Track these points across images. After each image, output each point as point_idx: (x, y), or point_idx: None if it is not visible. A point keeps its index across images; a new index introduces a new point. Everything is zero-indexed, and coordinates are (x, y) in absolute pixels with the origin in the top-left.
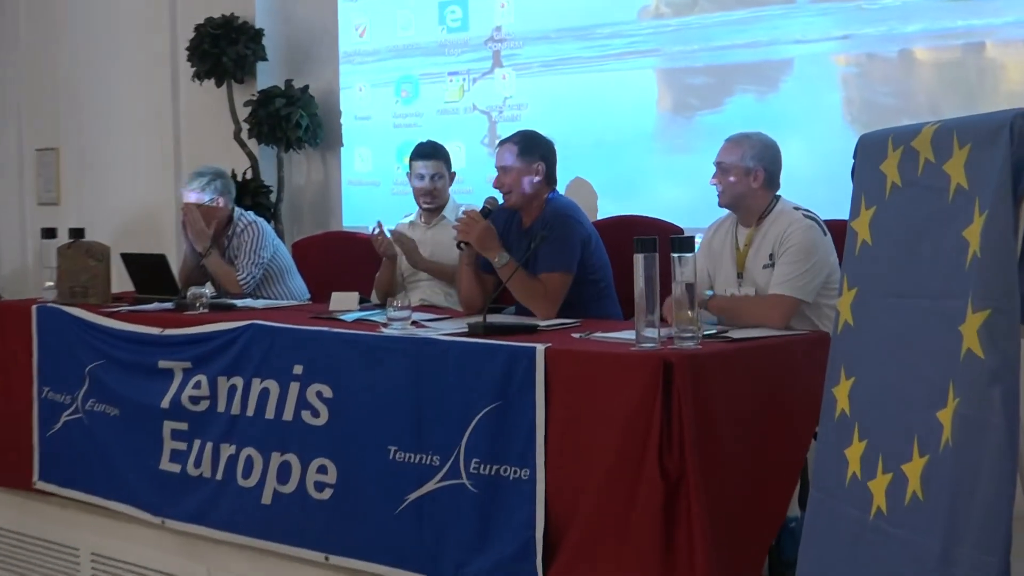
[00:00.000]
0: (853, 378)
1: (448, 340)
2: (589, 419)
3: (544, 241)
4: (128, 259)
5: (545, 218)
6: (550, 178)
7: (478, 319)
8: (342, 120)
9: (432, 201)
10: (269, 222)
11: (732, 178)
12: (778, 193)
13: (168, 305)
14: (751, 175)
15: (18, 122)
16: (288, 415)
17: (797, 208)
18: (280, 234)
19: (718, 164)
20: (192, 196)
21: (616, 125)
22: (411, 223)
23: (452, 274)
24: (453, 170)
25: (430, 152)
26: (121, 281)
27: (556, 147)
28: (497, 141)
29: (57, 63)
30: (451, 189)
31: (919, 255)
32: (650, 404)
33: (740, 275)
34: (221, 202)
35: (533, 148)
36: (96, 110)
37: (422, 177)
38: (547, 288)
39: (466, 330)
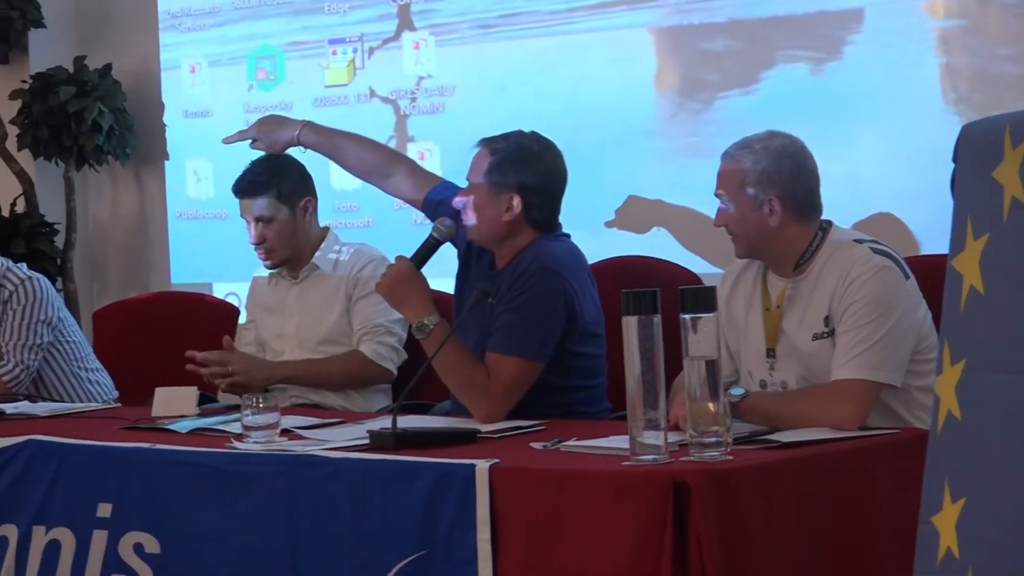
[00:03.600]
0: (963, 499)
1: (339, 458)
2: (561, 572)
3: (505, 305)
4: None
5: (518, 269)
6: (539, 220)
7: (384, 424)
8: (166, 119)
9: (268, 256)
10: (54, 281)
11: (737, 217)
12: (826, 219)
13: None
14: (762, 208)
15: None
16: None
17: (860, 240)
18: (70, 298)
19: (718, 196)
20: None
21: (592, 118)
22: (272, 277)
23: (330, 374)
24: (306, 198)
25: (248, 185)
26: None
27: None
28: (476, 140)
29: None
30: (327, 220)
31: None
32: (654, 546)
33: (771, 352)
34: None
35: (511, 169)
36: None
37: (248, 224)
38: (493, 377)
39: (367, 441)
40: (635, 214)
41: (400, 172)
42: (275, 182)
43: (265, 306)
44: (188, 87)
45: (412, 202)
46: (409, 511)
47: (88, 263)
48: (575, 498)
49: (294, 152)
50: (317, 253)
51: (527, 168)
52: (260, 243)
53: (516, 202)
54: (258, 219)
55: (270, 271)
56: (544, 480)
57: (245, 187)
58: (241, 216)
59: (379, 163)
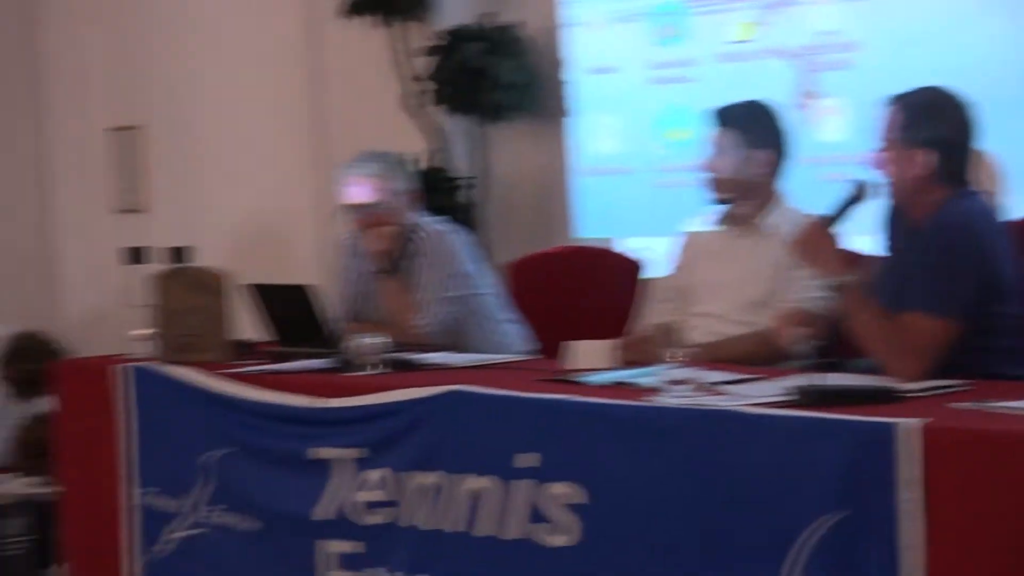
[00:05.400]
0: None
1: (759, 414)
2: (998, 537)
3: (920, 264)
4: (263, 293)
5: (933, 228)
6: (947, 175)
7: (803, 382)
8: (569, 75)
9: (719, 191)
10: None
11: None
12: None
13: (321, 363)
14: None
15: (83, 96)
16: (514, 531)
17: None
18: (483, 251)
19: None
20: (361, 190)
21: (1009, 73)
22: (712, 229)
23: (738, 358)
24: (767, 151)
25: (721, 111)
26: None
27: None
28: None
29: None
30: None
31: None
32: None
33: None
34: (404, 200)
35: (919, 125)
36: (196, 73)
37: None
38: (910, 336)
39: (787, 397)
40: None
41: None
42: (748, 122)
43: (704, 251)
44: (592, 45)
45: None
46: (831, 471)
47: (497, 218)
48: (1011, 461)
49: None
50: (764, 212)
51: (934, 123)
52: (708, 176)
53: (923, 158)
54: (717, 151)
55: (711, 225)
56: (981, 443)
57: (719, 112)
58: None
59: None
